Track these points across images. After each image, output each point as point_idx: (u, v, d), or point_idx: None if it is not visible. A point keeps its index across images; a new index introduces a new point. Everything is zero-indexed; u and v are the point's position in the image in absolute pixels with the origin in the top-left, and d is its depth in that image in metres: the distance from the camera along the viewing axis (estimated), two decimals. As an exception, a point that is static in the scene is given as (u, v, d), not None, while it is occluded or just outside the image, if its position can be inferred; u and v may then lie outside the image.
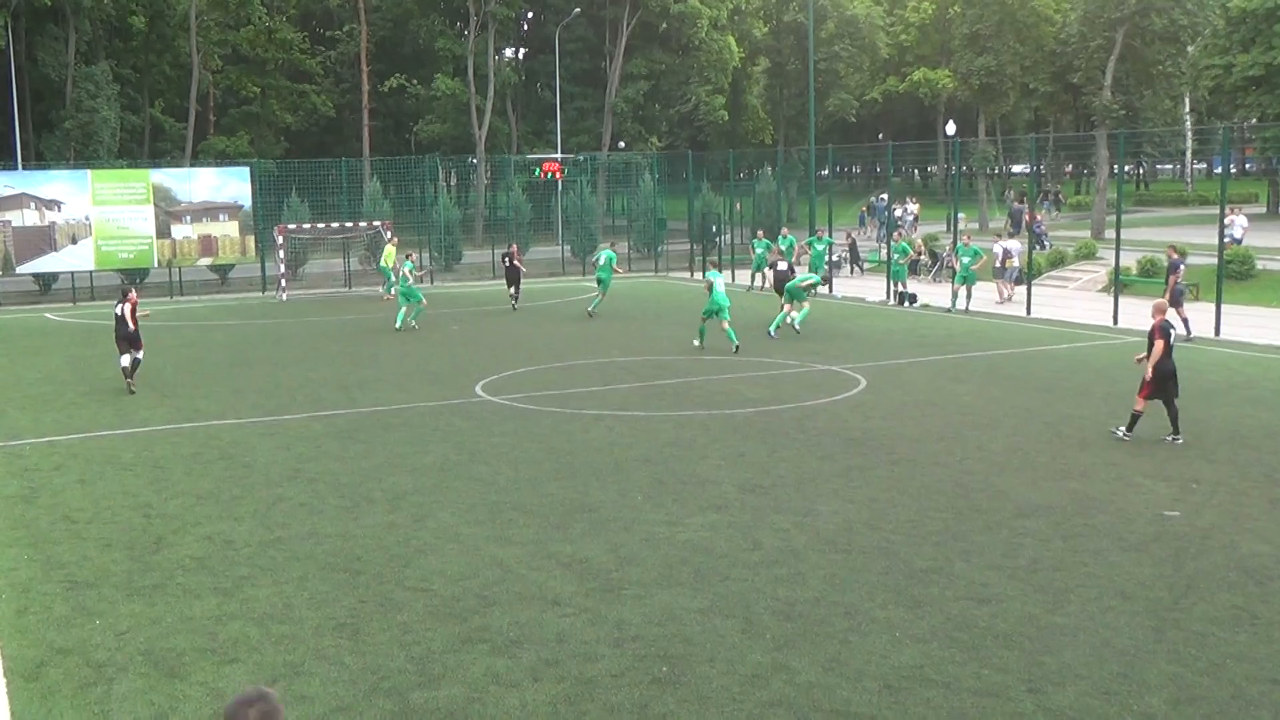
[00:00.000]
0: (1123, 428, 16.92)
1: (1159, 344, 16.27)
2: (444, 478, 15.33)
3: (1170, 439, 16.52)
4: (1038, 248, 41.43)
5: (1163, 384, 16.41)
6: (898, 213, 51.43)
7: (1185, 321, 26.79)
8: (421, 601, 10.86)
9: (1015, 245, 37.85)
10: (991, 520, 13.09)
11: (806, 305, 29.46)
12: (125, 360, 22.29)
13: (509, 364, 24.99)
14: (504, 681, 9.13)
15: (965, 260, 33.83)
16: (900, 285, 36.24)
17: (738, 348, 25.98)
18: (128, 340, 22.22)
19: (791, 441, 17.11)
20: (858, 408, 19.59)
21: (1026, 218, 46.50)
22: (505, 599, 10.88)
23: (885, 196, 54.90)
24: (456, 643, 9.90)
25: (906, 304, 35.37)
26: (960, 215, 43.16)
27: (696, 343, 26.94)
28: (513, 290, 36.30)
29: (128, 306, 22.27)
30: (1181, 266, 27.79)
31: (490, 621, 10.34)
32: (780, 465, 15.71)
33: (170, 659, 9.72)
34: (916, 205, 54.62)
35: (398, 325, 31.26)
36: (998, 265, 36.71)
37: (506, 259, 37.10)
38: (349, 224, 44.74)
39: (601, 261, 34.99)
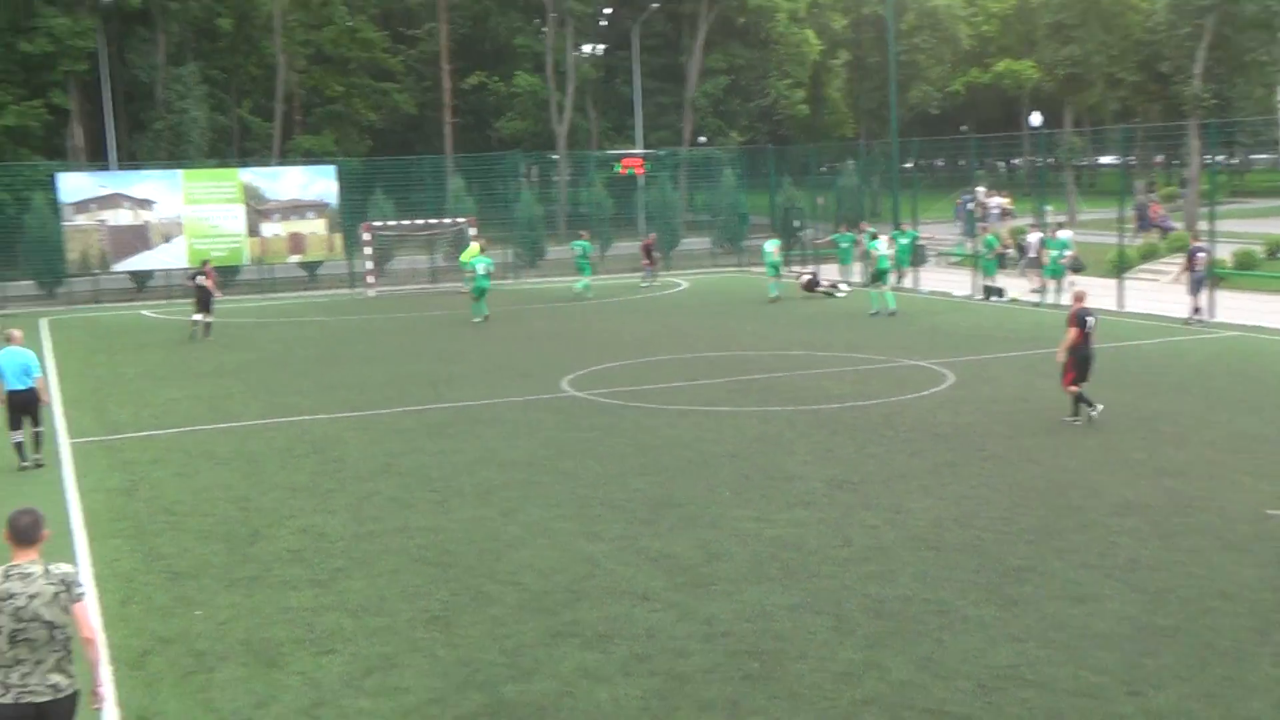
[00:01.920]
0: (1070, 415, 17.64)
1: (1071, 330, 17.29)
2: (532, 472, 15.43)
3: (1070, 420, 17.46)
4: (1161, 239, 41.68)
5: (1083, 368, 17.42)
6: (991, 204, 50.77)
7: (1196, 311, 28.45)
8: (512, 595, 10.95)
9: (1038, 235, 38.57)
10: (1086, 518, 12.89)
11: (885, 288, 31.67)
12: (200, 317, 30.00)
13: (595, 359, 25.06)
14: (595, 676, 9.17)
15: (1053, 253, 33.34)
16: (988, 280, 35.77)
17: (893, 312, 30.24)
18: (204, 303, 30.11)
19: (880, 437, 16.99)
20: (946, 403, 19.39)
21: (1152, 211, 45.91)
22: (595, 593, 10.93)
23: (980, 189, 54.23)
24: (547, 636, 9.97)
25: (994, 298, 34.92)
26: (1048, 208, 42.57)
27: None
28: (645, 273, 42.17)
29: (205, 279, 30.20)
30: (1201, 254, 28.87)
31: (580, 616, 10.40)
32: (868, 461, 15.60)
33: (269, 649, 9.90)
34: (1007, 199, 53.73)
35: (476, 319, 31.97)
36: (1032, 255, 37.44)
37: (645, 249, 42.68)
38: (433, 220, 45.15)
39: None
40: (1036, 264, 36.92)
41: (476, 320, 32.41)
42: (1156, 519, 12.83)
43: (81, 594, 6.81)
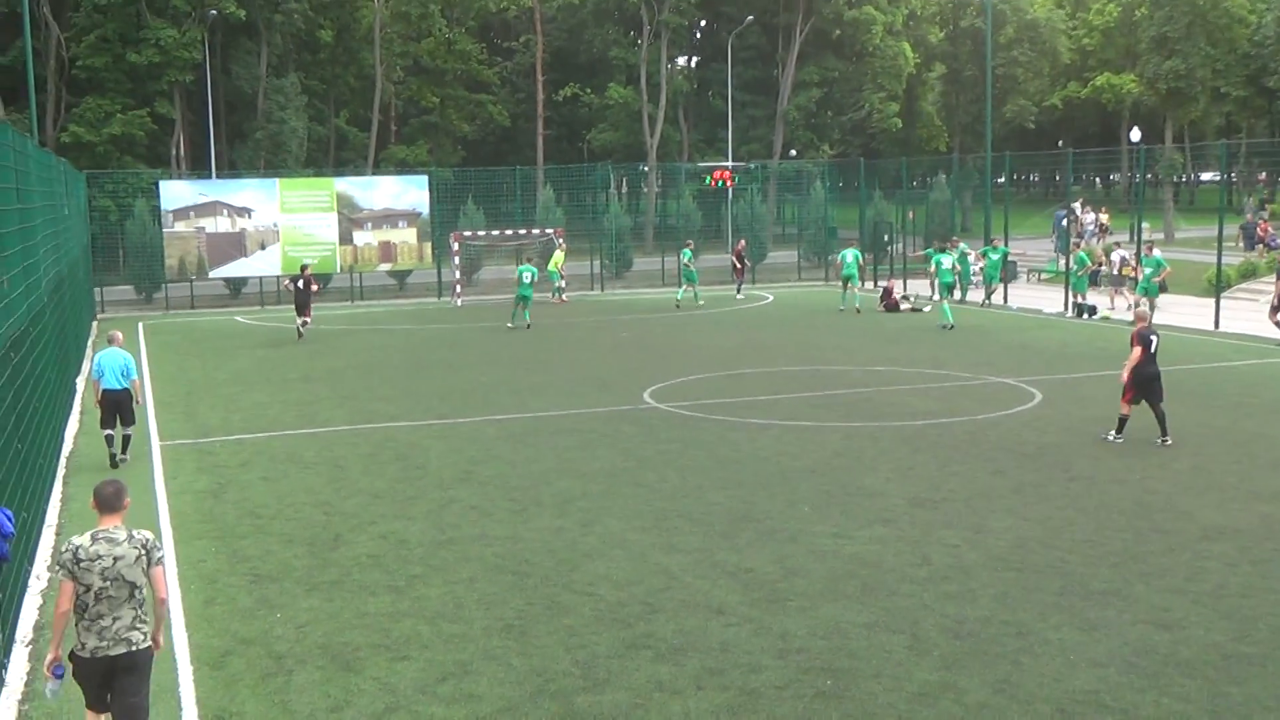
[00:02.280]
0: (1113, 431, 17.61)
1: (1136, 350, 17.25)
2: (611, 484, 15.46)
3: (1160, 441, 17.24)
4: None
5: (1144, 388, 17.28)
6: (1087, 219, 49.94)
7: (1152, 310, 28.58)
8: (588, 606, 10.97)
9: (1122, 253, 38.57)
10: (1174, 542, 12.61)
11: (945, 303, 32.34)
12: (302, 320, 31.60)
13: (677, 371, 25.07)
14: (668, 689, 9.16)
15: (1148, 271, 32.71)
16: (1079, 296, 35.21)
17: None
18: (304, 305, 31.59)
19: (963, 455, 16.78)
20: (1032, 422, 19.10)
21: (1261, 230, 45.03)
22: (670, 606, 10.92)
23: (1080, 204, 53.37)
24: (621, 648, 9.97)
25: (1085, 316, 34.35)
26: (1145, 225, 41.77)
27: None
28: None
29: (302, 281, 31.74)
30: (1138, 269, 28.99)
31: (655, 628, 10.39)
32: (951, 479, 15.41)
33: (346, 653, 10.02)
34: (1106, 215, 52.72)
35: (510, 325, 33.51)
36: (1116, 272, 37.20)
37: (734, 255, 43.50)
38: (522, 231, 45.49)
39: (684, 259, 40.90)
40: (1120, 281, 36.79)
41: (510, 326, 33.70)
42: (1247, 544, 12.51)
43: (161, 557, 7.56)
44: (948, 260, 34.10)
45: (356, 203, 43.71)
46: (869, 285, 45.04)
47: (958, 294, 39.80)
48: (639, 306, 40.50)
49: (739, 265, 43.19)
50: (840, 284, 39.00)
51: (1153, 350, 17.38)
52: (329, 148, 66.77)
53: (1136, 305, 33.72)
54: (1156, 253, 33.66)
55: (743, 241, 44.80)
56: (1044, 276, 46.51)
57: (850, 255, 38.84)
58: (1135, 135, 63.04)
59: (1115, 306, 34.92)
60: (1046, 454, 16.82)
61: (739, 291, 42.78)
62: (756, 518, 13.75)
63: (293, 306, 32.88)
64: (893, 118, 74.00)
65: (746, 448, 17.51)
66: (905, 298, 37.37)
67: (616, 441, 18.09)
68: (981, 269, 40.07)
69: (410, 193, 44.68)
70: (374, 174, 54.44)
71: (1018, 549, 12.43)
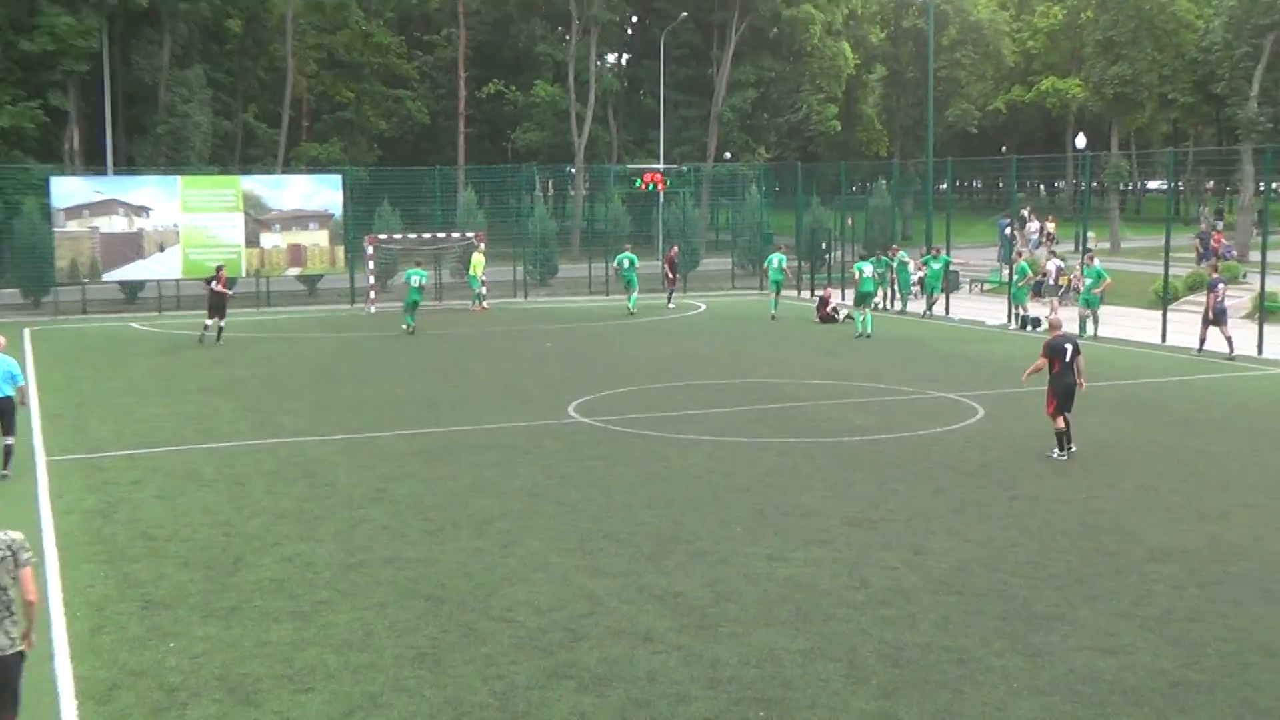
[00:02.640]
0: (1055, 448, 17.81)
1: (1039, 360, 17.91)
2: (533, 503, 15.36)
3: (1058, 455, 17.64)
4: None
5: (1065, 397, 17.72)
6: (1030, 228, 50.61)
7: (1229, 340, 28.60)
8: (506, 633, 10.85)
9: (1057, 263, 39.63)
10: (1120, 564, 12.74)
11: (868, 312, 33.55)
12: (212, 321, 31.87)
13: (604, 384, 25.01)
14: (590, 721, 9.06)
15: (1088, 282, 33.16)
16: (1021, 308, 35.64)
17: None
18: (219, 307, 32.02)
19: (902, 473, 16.87)
20: (975, 438, 19.27)
21: (1215, 240, 45.98)
22: (594, 633, 10.83)
23: (1028, 211, 54.12)
24: (542, 678, 9.86)
25: (1029, 328, 34.76)
26: (1090, 234, 42.43)
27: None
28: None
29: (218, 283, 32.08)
30: (1221, 286, 29.20)
31: (578, 656, 10.30)
32: (890, 498, 15.48)
33: (245, 685, 9.81)
34: (1053, 224, 53.40)
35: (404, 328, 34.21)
36: (1052, 282, 38.27)
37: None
38: (441, 235, 45.21)
39: (625, 264, 41.00)
40: (1056, 291, 37.55)
41: (403, 329, 34.40)
42: (1195, 566, 12.67)
43: (30, 559, 7.80)
44: (869, 268, 34.78)
45: (264, 203, 43.19)
46: (805, 294, 45.30)
47: (899, 304, 40.24)
48: (564, 315, 40.41)
49: (670, 273, 43.30)
50: (772, 291, 39.37)
51: (1068, 359, 17.82)
52: (235, 144, 65.94)
53: (1052, 312, 34.36)
54: (1097, 263, 34.13)
55: (675, 248, 44.92)
56: (987, 287, 47.07)
57: (776, 260, 39.32)
58: (1080, 141, 64.04)
59: (1084, 320, 35.39)
60: (989, 472, 16.96)
61: (670, 300, 42.87)
62: (686, 539, 13.70)
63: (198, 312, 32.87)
64: (831, 120, 74.59)
65: (676, 464, 17.48)
66: (836, 309, 37.50)
67: (539, 458, 17.98)
68: (922, 279, 40.43)
69: (322, 193, 44.26)
70: (284, 173, 53.85)
71: (959, 571, 12.48)
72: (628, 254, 41.95)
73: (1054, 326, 18.86)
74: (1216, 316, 28.75)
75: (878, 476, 16.68)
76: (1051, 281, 38.93)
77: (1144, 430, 20.02)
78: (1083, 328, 32.80)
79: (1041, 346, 18.26)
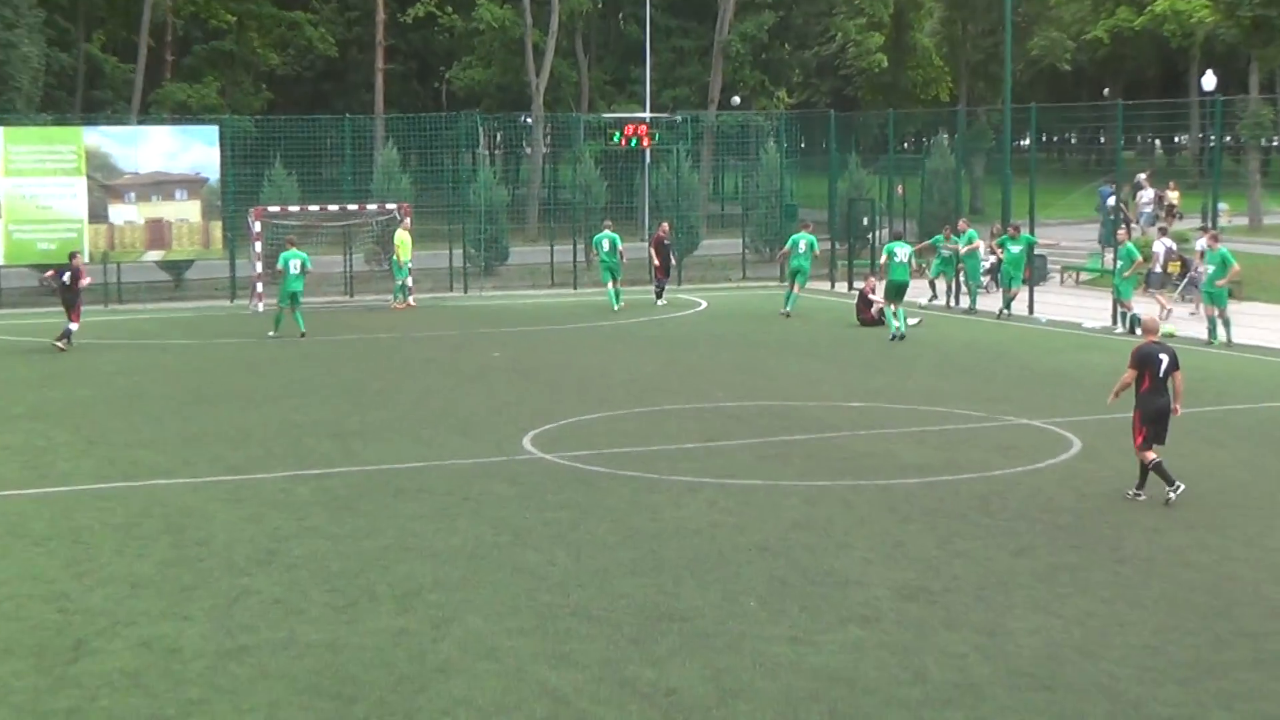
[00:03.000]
0: (1133, 487, 18.24)
1: (1128, 372, 18.22)
2: (476, 567, 15.33)
3: (1131, 494, 18.18)
4: None
5: (1156, 424, 18.10)
6: (1142, 197, 50.76)
7: (1226, 325, 30.49)
8: (440, 744, 10.85)
9: (1166, 243, 40.50)
10: (1265, 650, 12.77)
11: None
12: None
13: (571, 408, 24.99)
14: None
15: (1210, 270, 33.29)
16: (1127, 305, 35.72)
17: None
18: (71, 304, 32.89)
19: (972, 527, 16.89)
20: (1069, 480, 19.31)
21: None
22: (558, 744, 10.83)
23: (1146, 176, 54.17)
24: (488, 805, 9.86)
25: (1139, 331, 34.88)
26: (1221, 206, 42.55)
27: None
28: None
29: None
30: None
31: (536, 776, 10.29)
32: (955, 561, 15.50)
33: (87, 815, 9.78)
34: (1175, 193, 53.54)
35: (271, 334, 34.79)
36: (1160, 269, 38.95)
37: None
38: (353, 206, 45.20)
39: (606, 247, 41.57)
40: (1163, 281, 37.71)
41: (271, 335, 35.14)
42: (1364, 653, 12.72)
43: None
44: (902, 251, 34.96)
45: (115, 163, 43.17)
46: (842, 287, 45.44)
47: (965, 300, 40.33)
48: (517, 315, 40.41)
49: (659, 260, 43.26)
50: (789, 281, 39.55)
51: (1161, 373, 18.04)
52: (76, 84, 65.92)
53: (1163, 311, 34.67)
54: (1221, 245, 34.30)
55: (664, 226, 44.96)
56: (1084, 277, 47.24)
57: (802, 242, 39.45)
58: (1209, 82, 64.28)
59: (1168, 315, 35.59)
60: (1088, 525, 16.99)
61: (659, 296, 42.91)
62: (682, 616, 13.70)
63: (59, 306, 33.56)
64: (875, 54, 74.87)
65: (668, 516, 17.46)
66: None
67: (483, 507, 17.94)
68: (996, 266, 40.55)
69: (193, 149, 44.26)
70: (141, 123, 53.80)
71: (1048, 660, 12.50)
72: (608, 233, 41.99)
73: (1147, 329, 19.17)
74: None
75: (939, 532, 16.69)
76: (1159, 268, 39.09)
77: (1294, 469, 20.10)
78: (1212, 332, 32.95)
79: (1130, 355, 18.41)
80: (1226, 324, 32.78)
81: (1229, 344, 32.24)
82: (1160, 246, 39.29)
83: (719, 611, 13.84)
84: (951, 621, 13.53)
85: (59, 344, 32.46)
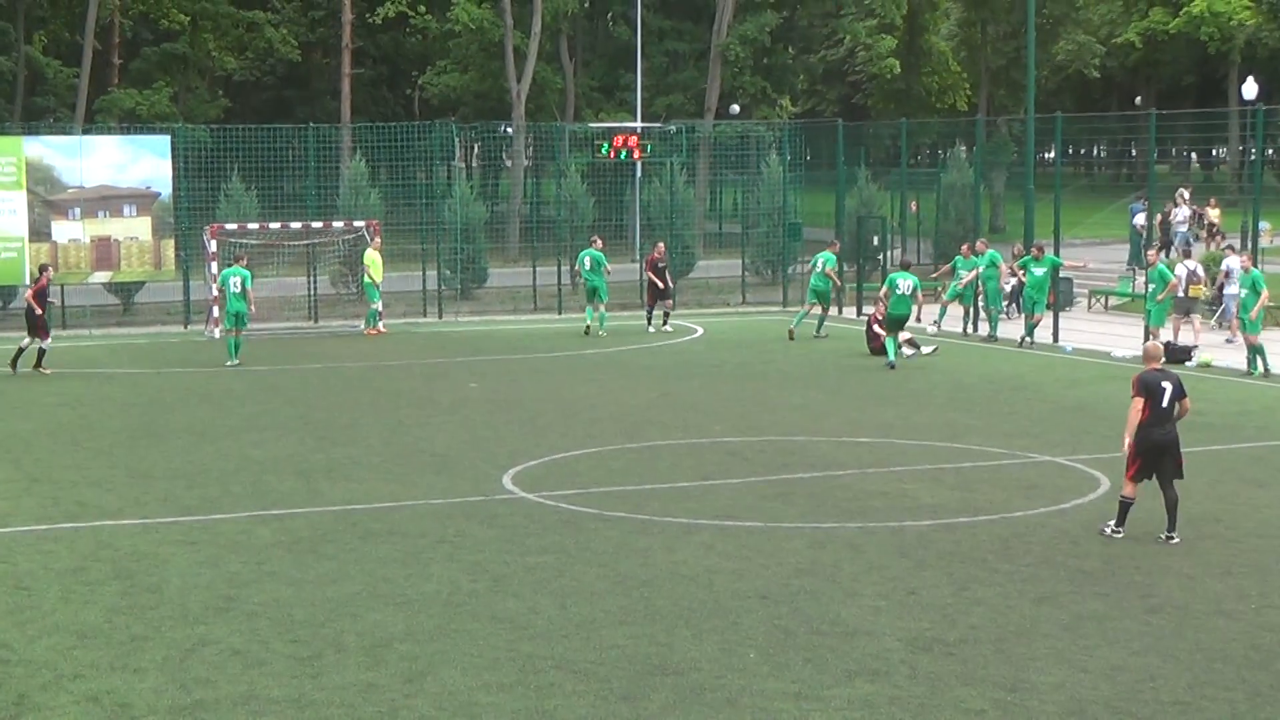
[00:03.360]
0: (1112, 523, 18.71)
1: (1135, 402, 18.53)
2: (452, 616, 15.37)
3: (1164, 537, 18.37)
4: None
5: (1151, 458, 18.41)
6: (1177, 218, 50.85)
7: (1262, 354, 31.01)
8: (413, 807, 10.90)
9: (1235, 263, 39.56)
10: (1306, 705, 12.86)
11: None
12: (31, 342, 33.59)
13: (555, 443, 25.04)
14: None
15: (1243, 293, 33.40)
16: (1157, 331, 35.72)
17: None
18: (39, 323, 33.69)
19: (991, 573, 16.96)
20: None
21: None
22: (542, 807, 10.89)
23: (1188, 192, 54.23)
24: None
25: (1181, 363, 34.98)
26: (1263, 225, 42.66)
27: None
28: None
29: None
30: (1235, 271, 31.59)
31: (518, 841, 10.34)
32: (972, 610, 15.57)
33: None
34: (1215, 210, 53.57)
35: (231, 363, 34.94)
36: (1182, 293, 38.24)
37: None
38: (317, 224, 45.21)
39: (588, 265, 41.82)
40: (1188, 306, 37.81)
41: (231, 364, 35.13)
42: None
43: None
44: (905, 283, 34.85)
45: (58, 176, 43.16)
46: (850, 312, 45.50)
47: (984, 328, 40.37)
48: (497, 342, 40.43)
49: (658, 282, 43.08)
50: (809, 301, 39.62)
51: (1164, 403, 18.46)
52: (15, 90, 65.95)
53: (1195, 335, 34.97)
54: (1255, 268, 34.38)
55: (660, 247, 44.74)
56: (1114, 302, 47.33)
57: (821, 261, 39.69)
58: (1250, 90, 64.52)
59: (1197, 343, 35.84)
60: (1116, 571, 17.06)
61: (652, 323, 42.87)
62: (676, 669, 13.74)
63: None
64: (887, 59, 74.96)
65: (661, 561, 17.51)
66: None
67: (460, 550, 17.99)
68: (1018, 289, 40.59)
69: (142, 161, 44.25)
70: (87, 132, 53.84)
71: (1074, 716, 12.56)
72: (592, 251, 42.09)
73: (1148, 355, 19.60)
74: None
75: (955, 578, 16.76)
76: (1181, 292, 39.15)
77: (1341, 511, 20.19)
78: (1252, 363, 33.03)
79: (1132, 382, 18.80)
80: (1262, 353, 32.89)
81: (1267, 374, 32.33)
82: (1183, 269, 39.34)
83: (716, 664, 13.88)
84: (968, 675, 13.59)
85: (44, 370, 33.50)
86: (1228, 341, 37.48)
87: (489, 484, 21.83)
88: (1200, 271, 39.92)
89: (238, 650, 14.35)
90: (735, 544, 18.34)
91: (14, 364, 33.37)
